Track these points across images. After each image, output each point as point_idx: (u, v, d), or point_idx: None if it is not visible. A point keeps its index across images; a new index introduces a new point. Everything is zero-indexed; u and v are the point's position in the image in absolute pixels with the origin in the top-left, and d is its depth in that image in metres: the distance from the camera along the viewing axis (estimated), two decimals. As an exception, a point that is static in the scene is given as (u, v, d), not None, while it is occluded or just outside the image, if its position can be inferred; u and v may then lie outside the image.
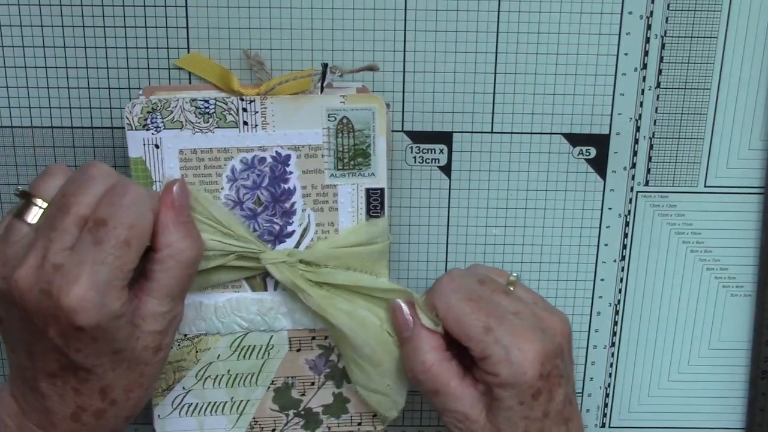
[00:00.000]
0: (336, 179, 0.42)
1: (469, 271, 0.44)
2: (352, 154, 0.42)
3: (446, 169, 0.47)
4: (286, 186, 0.42)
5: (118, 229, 0.36)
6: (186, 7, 0.44)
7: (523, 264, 0.49)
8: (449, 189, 0.47)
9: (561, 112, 0.46)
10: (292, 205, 0.42)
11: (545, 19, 0.45)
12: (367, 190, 0.43)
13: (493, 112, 0.46)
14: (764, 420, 0.51)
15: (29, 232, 0.38)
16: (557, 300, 0.49)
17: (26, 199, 0.38)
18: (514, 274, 0.44)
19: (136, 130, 0.41)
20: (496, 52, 0.45)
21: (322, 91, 0.42)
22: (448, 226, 0.48)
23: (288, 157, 0.42)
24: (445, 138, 0.47)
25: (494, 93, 0.46)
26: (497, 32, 0.45)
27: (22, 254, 0.37)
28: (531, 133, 0.47)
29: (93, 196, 0.37)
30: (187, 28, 0.44)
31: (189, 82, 0.45)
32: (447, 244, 0.48)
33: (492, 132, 0.47)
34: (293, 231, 0.43)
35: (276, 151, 0.42)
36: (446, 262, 0.48)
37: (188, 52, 0.45)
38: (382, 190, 0.43)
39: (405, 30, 0.45)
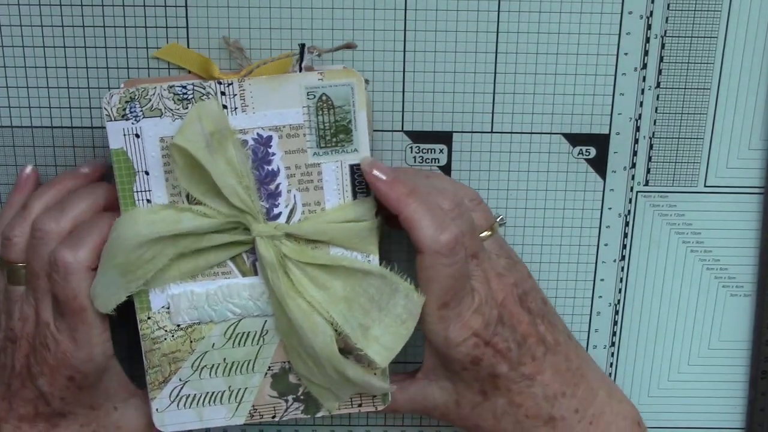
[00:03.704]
0: (319, 158, 0.42)
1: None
2: (334, 131, 0.42)
3: (446, 169, 0.47)
4: (270, 168, 0.42)
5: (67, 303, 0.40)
6: (186, 7, 0.44)
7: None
8: (449, 189, 0.47)
9: (561, 112, 0.46)
10: (277, 186, 0.42)
11: (545, 19, 0.45)
12: (351, 167, 0.42)
13: (493, 112, 0.46)
14: (764, 420, 0.51)
15: (23, 292, 0.42)
16: (557, 299, 0.49)
17: (8, 267, 0.43)
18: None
19: (115, 120, 0.41)
20: (496, 52, 0.45)
21: (300, 72, 0.41)
22: (448, 226, 0.48)
23: (270, 138, 0.42)
24: (445, 138, 0.47)
25: (494, 93, 0.46)
26: (497, 32, 0.45)
27: (20, 316, 0.42)
28: (531, 133, 0.47)
29: (48, 255, 0.41)
30: (187, 28, 0.44)
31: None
32: (447, 244, 0.48)
33: (492, 132, 0.47)
34: (280, 212, 0.42)
35: (257, 133, 0.41)
36: (446, 262, 0.48)
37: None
38: None
39: (405, 30, 0.45)
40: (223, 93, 0.41)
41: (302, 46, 0.42)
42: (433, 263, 0.41)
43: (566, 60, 0.46)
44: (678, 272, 0.49)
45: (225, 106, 0.41)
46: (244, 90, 0.41)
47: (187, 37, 0.44)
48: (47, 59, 0.45)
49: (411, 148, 0.47)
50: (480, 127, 0.47)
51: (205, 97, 0.41)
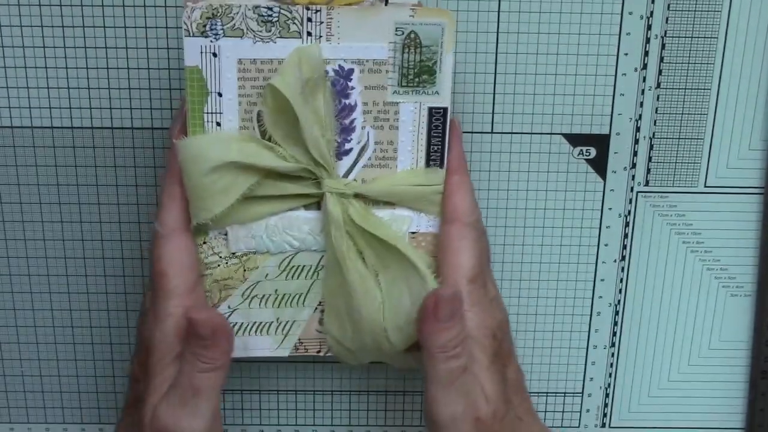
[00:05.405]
0: (399, 96, 0.41)
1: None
2: (418, 71, 0.40)
3: (446, 169, 0.47)
4: (347, 102, 0.41)
5: None
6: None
7: (523, 264, 0.49)
8: (449, 189, 0.47)
9: (561, 112, 0.46)
10: (352, 122, 0.41)
11: (545, 19, 0.45)
12: (430, 109, 0.41)
13: (493, 112, 0.46)
14: (764, 420, 0.51)
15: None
16: (557, 300, 0.49)
17: None
18: None
19: (193, 36, 0.39)
20: (496, 52, 0.45)
21: (387, 3, 0.40)
22: (448, 226, 0.48)
23: (351, 71, 0.40)
24: (445, 138, 0.47)
25: (494, 93, 0.46)
26: (497, 32, 0.45)
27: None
28: (531, 133, 0.47)
29: None
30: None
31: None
32: (447, 244, 0.48)
33: (492, 132, 0.47)
34: (351, 149, 0.41)
35: (339, 65, 0.40)
36: (446, 262, 0.48)
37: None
38: (445, 109, 0.41)
39: (405, 30, 0.45)
40: (309, 19, 0.39)
41: None
42: (466, 234, 0.41)
43: (566, 60, 0.46)
44: (678, 272, 0.49)
45: (309, 33, 0.40)
46: (331, 18, 0.39)
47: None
48: (47, 59, 0.45)
49: (411, 148, 0.47)
50: (480, 127, 0.46)
51: (290, 21, 0.39)
